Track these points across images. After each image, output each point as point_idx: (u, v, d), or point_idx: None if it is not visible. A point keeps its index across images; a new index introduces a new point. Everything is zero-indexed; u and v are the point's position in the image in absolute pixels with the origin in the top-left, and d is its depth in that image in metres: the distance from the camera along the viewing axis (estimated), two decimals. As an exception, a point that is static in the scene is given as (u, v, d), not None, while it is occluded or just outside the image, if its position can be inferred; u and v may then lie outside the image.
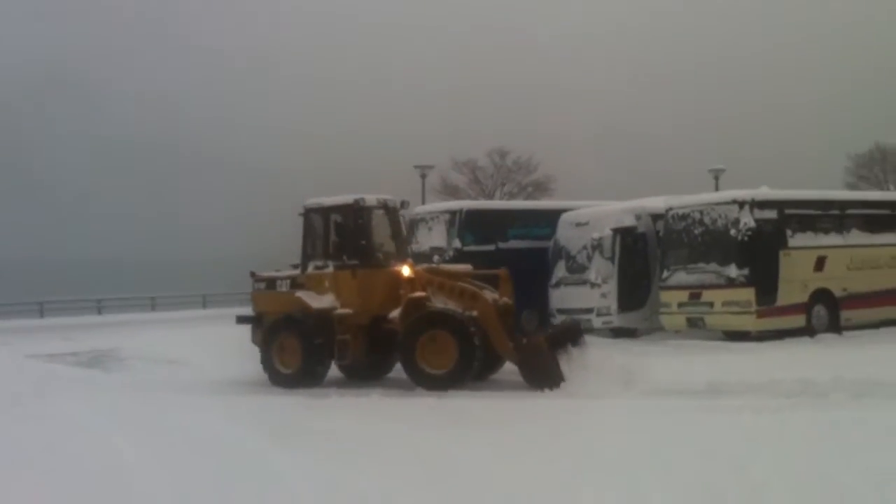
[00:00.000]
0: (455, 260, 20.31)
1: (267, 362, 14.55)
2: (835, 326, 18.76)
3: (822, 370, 12.08)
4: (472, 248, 20.86)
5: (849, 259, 19.36)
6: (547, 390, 12.44)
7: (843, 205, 20.43)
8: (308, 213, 15.01)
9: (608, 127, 68.57)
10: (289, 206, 15.63)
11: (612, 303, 19.86)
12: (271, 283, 15.22)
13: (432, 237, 21.35)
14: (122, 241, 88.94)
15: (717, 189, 25.98)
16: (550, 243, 21.10)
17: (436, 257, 20.07)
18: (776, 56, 77.08)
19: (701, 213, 19.05)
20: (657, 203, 20.84)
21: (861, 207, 20.93)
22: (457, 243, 20.85)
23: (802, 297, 18.59)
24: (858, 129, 55.97)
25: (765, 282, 18.09)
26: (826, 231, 19.49)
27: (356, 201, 14.59)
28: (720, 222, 18.63)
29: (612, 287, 19.87)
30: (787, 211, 18.91)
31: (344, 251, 14.57)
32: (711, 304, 18.46)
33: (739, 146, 58.57)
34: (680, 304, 18.97)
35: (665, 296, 19.31)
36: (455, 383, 13.11)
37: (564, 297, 20.40)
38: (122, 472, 8.25)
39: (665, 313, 19.34)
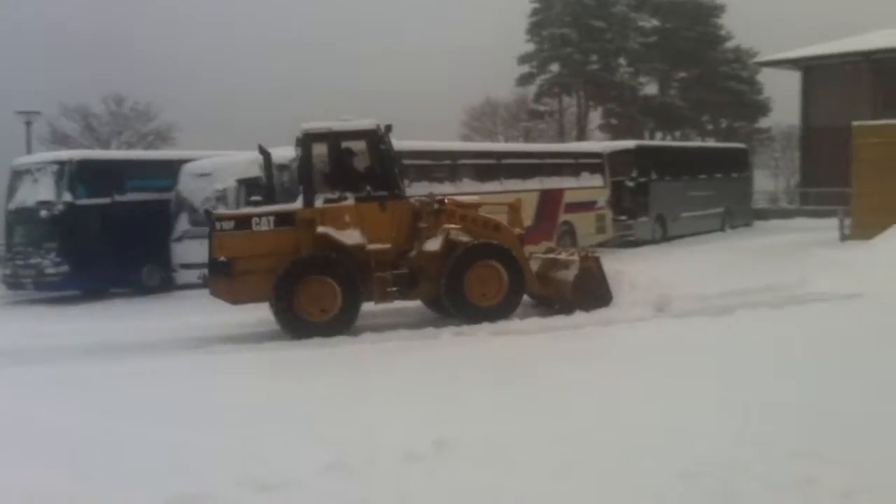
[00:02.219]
0: (66, 214, 18.96)
1: (286, 312, 12.23)
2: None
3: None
4: (86, 201, 19.41)
5: (461, 206, 20.55)
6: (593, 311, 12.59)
7: (456, 155, 21.54)
8: (309, 140, 12.80)
9: (237, 75, 67.04)
10: None
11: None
12: (243, 221, 12.58)
13: (38, 190, 19.56)
14: None
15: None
16: (172, 195, 20.23)
17: (43, 212, 18.55)
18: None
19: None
20: (283, 154, 20.68)
21: (472, 158, 22.23)
22: (67, 196, 19.27)
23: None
24: (473, 83, 59.65)
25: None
26: (440, 180, 20.49)
27: (378, 126, 12.91)
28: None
29: (237, 239, 19.49)
30: (404, 161, 19.60)
31: (369, 181, 12.85)
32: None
33: (364, 101, 60.01)
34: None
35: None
36: (505, 314, 12.69)
37: (188, 252, 19.66)
38: None
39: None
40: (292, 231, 12.50)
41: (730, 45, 53.19)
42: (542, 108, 53.88)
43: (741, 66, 51.91)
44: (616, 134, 47.68)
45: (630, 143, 27.68)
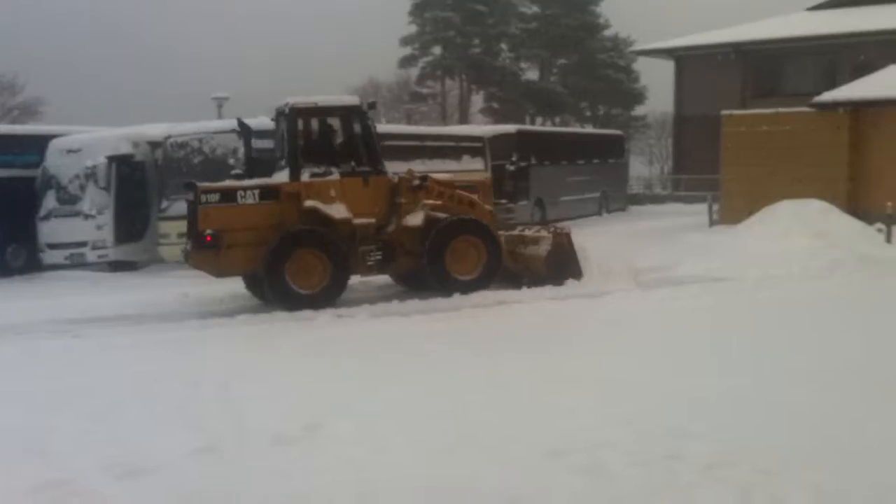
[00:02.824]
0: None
1: (278, 285, 12.26)
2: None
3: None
4: (-55, 176, 18.51)
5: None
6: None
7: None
8: (295, 115, 12.80)
9: (111, 48, 64.54)
10: None
11: (108, 235, 18.83)
12: (228, 194, 12.45)
13: None
14: None
15: (220, 118, 25.76)
16: (38, 172, 19.40)
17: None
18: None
19: (200, 141, 18.80)
20: (157, 130, 20.13)
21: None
22: (-76, 172, 18.32)
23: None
24: (354, 64, 59.23)
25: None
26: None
27: (363, 102, 13.29)
28: (220, 151, 18.54)
29: (107, 218, 18.82)
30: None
31: (353, 157, 12.98)
32: (212, 234, 18.36)
33: (244, 75, 58.86)
34: (180, 235, 18.56)
35: (164, 226, 18.78)
36: (482, 285, 13.11)
37: (55, 231, 18.95)
38: None
39: (165, 244, 18.85)
40: (276, 204, 12.58)
41: (608, 33, 54.33)
42: (424, 90, 53.98)
43: (618, 55, 53.11)
44: (498, 118, 48.15)
45: (511, 128, 27.96)
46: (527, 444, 5.84)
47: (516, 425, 6.29)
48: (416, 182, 13.22)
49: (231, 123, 19.26)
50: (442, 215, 13.24)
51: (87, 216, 18.77)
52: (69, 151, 19.29)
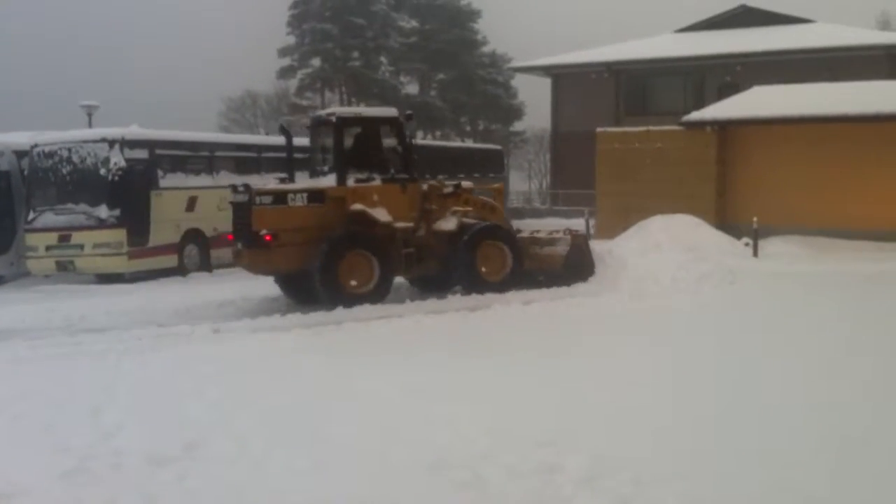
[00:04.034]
0: None
1: (330, 283, 13.00)
2: (206, 265, 19.37)
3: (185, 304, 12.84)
4: None
5: (219, 199, 20.01)
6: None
7: (214, 146, 21.03)
8: (341, 124, 13.67)
9: None
10: None
11: (-29, 247, 18.07)
12: (280, 196, 13.12)
13: None
14: None
15: (90, 127, 24.95)
16: None
17: None
18: None
19: (70, 150, 18.21)
20: (22, 139, 19.38)
21: (230, 150, 21.76)
22: None
23: (175, 238, 18.87)
24: (231, 76, 58.28)
25: (136, 223, 17.96)
26: (197, 172, 19.92)
27: (400, 114, 14.36)
28: (90, 161, 18.01)
29: (-31, 230, 18.05)
30: (158, 151, 18.93)
31: (392, 164, 14.01)
32: (82, 247, 17.80)
33: (113, 82, 57.17)
34: (49, 248, 17.96)
35: (32, 238, 18.12)
36: (509, 287, 13.90)
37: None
38: None
39: (32, 257, 18.17)
40: (321, 207, 13.37)
41: (486, 49, 55.07)
42: (303, 102, 53.48)
43: (497, 71, 53.90)
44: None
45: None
46: (408, 458, 5.81)
47: (398, 439, 6.25)
48: (450, 189, 14.36)
49: (100, 132, 18.79)
50: (472, 221, 14.25)
51: (-53, 228, 17.93)
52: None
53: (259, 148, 22.27)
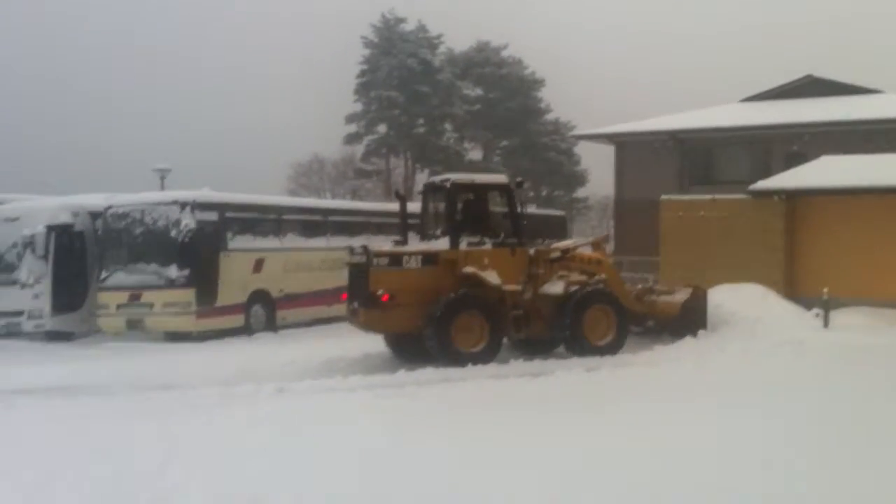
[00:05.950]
0: None
1: (443, 342, 13.46)
2: (272, 325, 19.62)
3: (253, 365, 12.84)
4: None
5: (285, 261, 20.36)
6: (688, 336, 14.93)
7: (281, 210, 21.45)
8: (456, 190, 14.25)
9: (46, 120, 63.52)
10: None
11: (45, 304, 18.57)
12: (396, 258, 13.75)
13: None
14: None
15: (162, 189, 25.65)
16: (-26, 240, 19.03)
17: None
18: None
19: (142, 212, 18.73)
20: (96, 200, 20.00)
21: (297, 213, 22.15)
22: None
23: (241, 298, 19.16)
24: (300, 141, 59.50)
25: (205, 283, 18.30)
26: (264, 234, 20.29)
27: (511, 181, 14.84)
28: (161, 222, 18.47)
29: (45, 288, 18.59)
30: (228, 214, 19.34)
31: (503, 229, 14.50)
32: (152, 306, 18.19)
33: (186, 147, 58.71)
34: (119, 306, 18.39)
35: (103, 297, 18.57)
36: (615, 350, 14.24)
37: (-9, 299, 18.56)
38: None
39: (103, 315, 18.59)
40: (434, 269, 13.84)
41: (549, 117, 55.44)
42: (369, 167, 54.23)
43: (560, 138, 54.12)
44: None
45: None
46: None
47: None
48: (557, 255, 14.74)
49: (172, 195, 19.32)
50: (576, 285, 14.48)
51: (24, 285, 18.50)
52: (7, 220, 19.07)
53: (325, 212, 22.66)
